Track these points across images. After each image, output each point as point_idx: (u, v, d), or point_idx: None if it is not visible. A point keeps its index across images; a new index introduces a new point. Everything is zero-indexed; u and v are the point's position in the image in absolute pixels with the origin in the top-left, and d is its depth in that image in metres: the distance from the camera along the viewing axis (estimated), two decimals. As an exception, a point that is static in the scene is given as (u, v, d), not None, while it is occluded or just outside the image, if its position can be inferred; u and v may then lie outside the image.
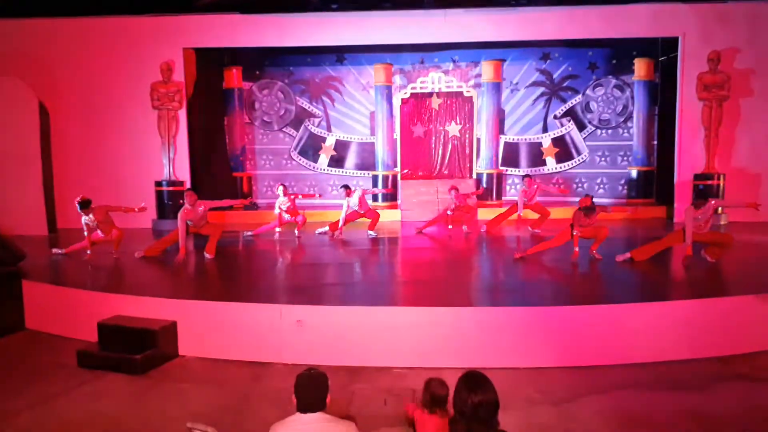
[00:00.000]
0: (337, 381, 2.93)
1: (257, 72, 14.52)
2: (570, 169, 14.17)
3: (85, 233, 8.62)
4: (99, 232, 8.65)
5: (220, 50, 12.91)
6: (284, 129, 14.65)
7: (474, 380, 2.62)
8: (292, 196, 10.89)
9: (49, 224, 11.39)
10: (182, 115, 12.13)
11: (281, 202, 10.70)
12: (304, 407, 2.78)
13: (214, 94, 13.74)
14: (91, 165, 11.91)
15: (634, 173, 13.49)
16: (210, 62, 13.21)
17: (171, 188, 11.96)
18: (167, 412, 4.67)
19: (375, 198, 13.66)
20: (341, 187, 10.99)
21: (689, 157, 11.62)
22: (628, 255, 7.85)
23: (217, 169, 13.53)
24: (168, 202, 11.95)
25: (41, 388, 5.16)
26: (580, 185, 14.14)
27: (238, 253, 9.76)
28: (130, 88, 11.95)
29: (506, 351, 5.52)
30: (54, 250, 8.98)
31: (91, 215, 8.48)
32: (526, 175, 11.15)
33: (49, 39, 11.84)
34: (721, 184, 11.39)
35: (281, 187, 10.85)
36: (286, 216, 10.73)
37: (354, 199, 10.67)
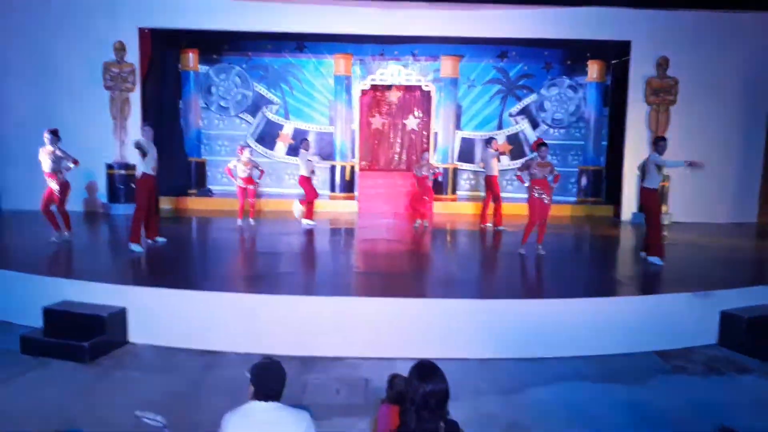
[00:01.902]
0: (291, 371, 2.95)
1: (215, 56, 14.24)
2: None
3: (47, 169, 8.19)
4: (50, 180, 8.23)
5: (177, 32, 12.60)
6: (241, 115, 14.43)
7: (425, 370, 2.67)
8: (257, 168, 10.46)
9: (-9, 205, 10.97)
10: (136, 96, 11.79)
11: (240, 169, 10.25)
12: (261, 396, 2.79)
13: (170, 77, 13.42)
14: (39, 144, 11.46)
15: (584, 172, 13.87)
16: (166, 43, 12.87)
17: (122, 171, 11.63)
18: (115, 401, 4.60)
19: (333, 188, 13.62)
20: (301, 140, 10.66)
21: (636, 158, 11.97)
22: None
23: (171, 154, 13.24)
24: (119, 185, 11.63)
25: (-18, 375, 5.00)
26: (532, 182, 14.44)
27: (190, 240, 9.61)
28: (82, 67, 11.53)
29: (457, 342, 5.64)
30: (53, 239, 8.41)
31: (58, 149, 8.21)
32: (491, 138, 11.35)
33: (-4, 11, 11.35)
34: (666, 185, 11.84)
35: (247, 150, 10.37)
36: (240, 183, 10.32)
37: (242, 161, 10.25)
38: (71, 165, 8.37)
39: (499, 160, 10.98)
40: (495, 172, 10.64)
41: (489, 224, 10.76)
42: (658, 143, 7.70)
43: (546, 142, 8.51)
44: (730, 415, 4.52)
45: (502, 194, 11.70)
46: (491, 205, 10.77)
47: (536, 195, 8.07)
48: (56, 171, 8.27)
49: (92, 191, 11.87)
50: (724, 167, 11.97)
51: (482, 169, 11.06)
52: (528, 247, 8.25)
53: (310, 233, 9.97)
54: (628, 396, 4.87)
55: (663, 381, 5.23)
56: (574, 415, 4.53)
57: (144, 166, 7.96)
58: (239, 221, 10.34)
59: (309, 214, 10.37)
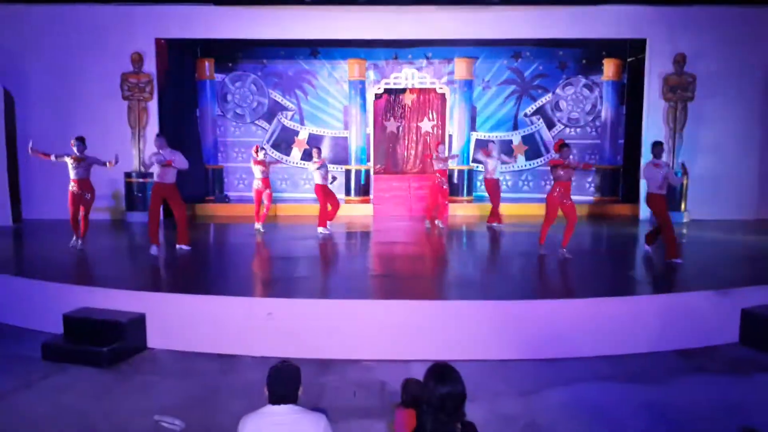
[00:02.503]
0: (307, 373, 2.96)
1: (230, 64, 14.39)
2: (538, 166, 14.37)
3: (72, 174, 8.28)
4: (74, 185, 8.31)
5: (193, 41, 12.74)
6: (257, 122, 14.55)
7: (442, 372, 2.66)
8: (269, 162, 10.38)
9: (14, 214, 11.14)
10: (153, 106, 11.95)
11: (258, 170, 10.15)
12: (277, 399, 2.80)
13: (186, 86, 13.57)
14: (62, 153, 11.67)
15: (600, 171, 13.74)
16: (182, 53, 13.03)
17: (141, 180, 11.77)
18: (134, 405, 4.63)
19: (348, 191, 13.65)
20: (314, 148, 10.53)
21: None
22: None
23: (190, 161, 13.33)
24: (138, 193, 11.77)
25: (4, 381, 5.06)
26: (548, 183, 14.33)
27: (207, 246, 9.69)
28: (100, 78, 11.72)
29: (473, 343, 5.61)
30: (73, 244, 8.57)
31: (76, 159, 8.27)
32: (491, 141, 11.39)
33: (16, 25, 11.55)
34: (684, 183, 11.69)
35: (262, 151, 10.30)
36: (258, 184, 10.17)
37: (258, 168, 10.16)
38: (108, 165, 8.49)
39: (516, 159, 11.01)
40: (490, 175, 10.73)
41: (494, 224, 10.84)
42: (654, 148, 7.98)
43: (568, 142, 8.36)
44: (753, 414, 4.44)
45: (519, 195, 11.71)
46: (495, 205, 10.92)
47: (555, 195, 7.95)
48: (85, 178, 8.36)
49: (110, 199, 12.03)
50: (744, 164, 11.82)
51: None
52: (549, 247, 8.16)
53: (325, 237, 9.98)
54: (649, 396, 4.79)
55: (684, 381, 5.13)
56: (594, 416, 4.48)
57: (154, 175, 8.28)
58: (257, 224, 10.34)
59: (322, 221, 10.17)
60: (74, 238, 8.51)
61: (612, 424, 4.36)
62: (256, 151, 10.30)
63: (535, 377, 5.18)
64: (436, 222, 10.86)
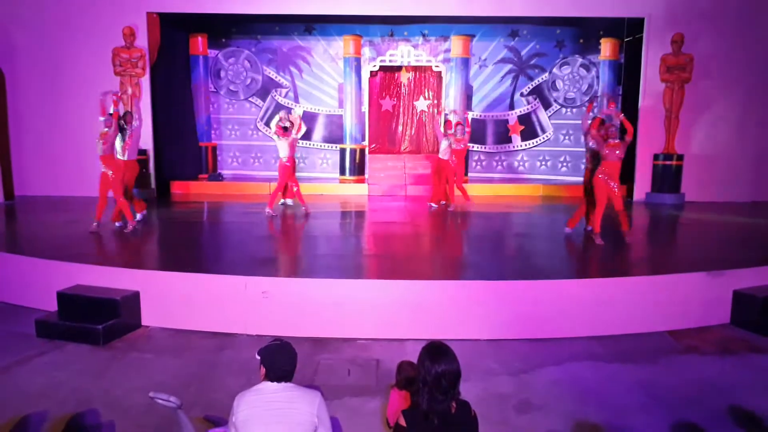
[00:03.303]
0: (302, 352, 2.97)
1: (223, 39, 14.22)
2: (534, 146, 14.35)
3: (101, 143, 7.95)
4: (100, 163, 8.07)
5: (186, 15, 12.55)
6: (250, 99, 14.43)
7: (437, 351, 2.68)
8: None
9: (6, 191, 11.05)
10: (145, 81, 11.81)
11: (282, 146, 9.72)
12: (275, 377, 2.82)
13: (179, 61, 13.41)
14: (50, 131, 11.54)
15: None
16: (175, 28, 12.85)
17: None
18: (129, 382, 4.65)
19: (343, 171, 13.61)
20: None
21: (650, 137, 11.88)
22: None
23: (182, 138, 13.26)
24: (130, 170, 11.68)
25: (-2, 358, 5.07)
26: (543, 163, 14.34)
27: (201, 224, 9.65)
28: (92, 53, 11.57)
29: (467, 323, 5.64)
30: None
31: (102, 134, 7.99)
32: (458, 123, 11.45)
33: (4, -1, 11.38)
34: (681, 165, 11.71)
35: (291, 115, 9.96)
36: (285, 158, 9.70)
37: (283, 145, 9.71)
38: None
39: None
40: (444, 156, 10.53)
41: (442, 202, 10.80)
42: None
43: (603, 119, 7.90)
44: (743, 394, 4.50)
45: (514, 175, 11.63)
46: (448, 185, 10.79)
47: (601, 177, 7.50)
48: (108, 154, 8.13)
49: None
50: (740, 146, 11.82)
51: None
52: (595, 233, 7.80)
53: (317, 216, 9.96)
54: (641, 375, 4.84)
55: (675, 361, 5.19)
56: (586, 395, 4.52)
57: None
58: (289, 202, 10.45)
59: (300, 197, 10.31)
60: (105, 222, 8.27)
61: (604, 403, 4.41)
62: (284, 132, 9.82)
63: (528, 357, 5.22)
64: (441, 203, 10.83)
